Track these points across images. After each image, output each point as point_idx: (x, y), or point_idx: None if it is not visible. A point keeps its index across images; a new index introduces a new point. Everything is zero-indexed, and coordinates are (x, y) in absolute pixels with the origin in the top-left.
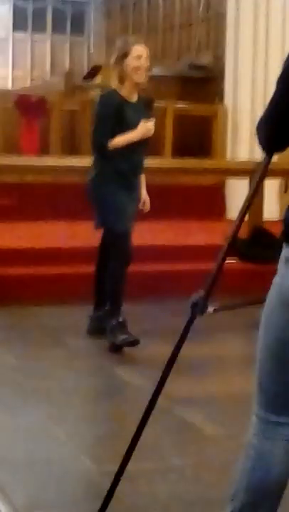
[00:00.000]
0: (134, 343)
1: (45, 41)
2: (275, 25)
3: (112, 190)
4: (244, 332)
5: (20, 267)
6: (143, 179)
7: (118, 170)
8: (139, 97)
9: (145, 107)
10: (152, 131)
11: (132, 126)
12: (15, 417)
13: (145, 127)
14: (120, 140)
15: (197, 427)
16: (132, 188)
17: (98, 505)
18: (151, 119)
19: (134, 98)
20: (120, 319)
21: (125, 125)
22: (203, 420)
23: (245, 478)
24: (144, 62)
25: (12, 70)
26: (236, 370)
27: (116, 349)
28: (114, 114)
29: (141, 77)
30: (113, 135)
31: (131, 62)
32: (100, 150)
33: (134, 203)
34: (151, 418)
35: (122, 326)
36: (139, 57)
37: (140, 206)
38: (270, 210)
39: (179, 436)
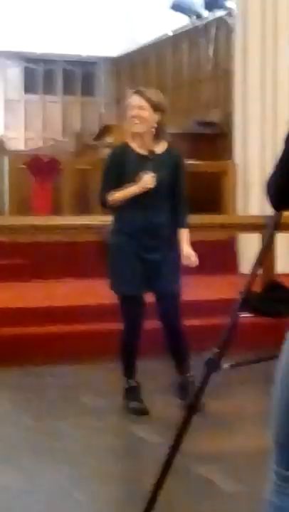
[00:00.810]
0: (142, 412)
1: (57, 102)
2: (282, 82)
3: (119, 251)
4: (260, 387)
5: (34, 326)
6: (183, 234)
7: (128, 228)
8: (166, 150)
9: (170, 161)
10: (150, 185)
11: (132, 179)
12: (31, 478)
13: (143, 180)
14: (118, 194)
15: (215, 483)
16: (149, 248)
17: None
18: (149, 172)
19: (148, 150)
20: (132, 384)
21: (126, 178)
22: (221, 477)
23: None
24: (136, 112)
25: (24, 131)
26: (253, 425)
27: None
28: (115, 166)
29: (137, 127)
30: (115, 188)
31: (127, 113)
32: (101, 204)
33: (152, 264)
34: (170, 475)
35: (133, 392)
36: (133, 107)
37: (184, 262)
38: (283, 264)
39: (196, 493)
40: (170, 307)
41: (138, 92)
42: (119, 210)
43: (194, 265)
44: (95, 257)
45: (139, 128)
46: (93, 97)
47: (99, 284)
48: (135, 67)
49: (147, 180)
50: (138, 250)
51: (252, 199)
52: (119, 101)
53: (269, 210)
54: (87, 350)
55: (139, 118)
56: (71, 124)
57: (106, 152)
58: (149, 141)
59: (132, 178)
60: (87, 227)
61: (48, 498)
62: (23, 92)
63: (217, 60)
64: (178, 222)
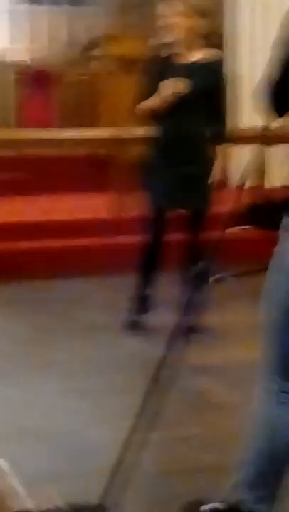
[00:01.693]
0: (131, 325)
1: (47, 12)
2: None
3: (150, 163)
4: (252, 300)
5: (34, 240)
6: (220, 153)
7: (161, 140)
8: (205, 58)
9: (207, 69)
10: (171, 91)
11: None
12: (29, 390)
13: (166, 87)
14: (145, 104)
15: (211, 394)
16: (182, 161)
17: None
18: (177, 78)
19: (185, 59)
20: (139, 294)
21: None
22: (215, 387)
23: (253, 444)
24: (164, 21)
25: (13, 42)
26: (246, 336)
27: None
28: (147, 75)
29: (168, 37)
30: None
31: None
32: (135, 114)
33: (183, 179)
34: (162, 387)
35: (143, 303)
36: (161, 16)
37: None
38: (273, 178)
39: (190, 403)
40: (197, 227)
41: (168, 2)
42: (155, 121)
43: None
44: (93, 171)
45: (168, 37)
46: (86, 7)
47: (96, 198)
48: None
49: (167, 86)
50: (170, 162)
51: (243, 111)
52: (114, 11)
53: (259, 122)
54: (88, 264)
55: (167, 27)
56: (62, 35)
57: (98, 63)
58: (187, 48)
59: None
60: (77, 141)
61: (47, 409)
62: (11, 2)
63: None
64: (214, 140)
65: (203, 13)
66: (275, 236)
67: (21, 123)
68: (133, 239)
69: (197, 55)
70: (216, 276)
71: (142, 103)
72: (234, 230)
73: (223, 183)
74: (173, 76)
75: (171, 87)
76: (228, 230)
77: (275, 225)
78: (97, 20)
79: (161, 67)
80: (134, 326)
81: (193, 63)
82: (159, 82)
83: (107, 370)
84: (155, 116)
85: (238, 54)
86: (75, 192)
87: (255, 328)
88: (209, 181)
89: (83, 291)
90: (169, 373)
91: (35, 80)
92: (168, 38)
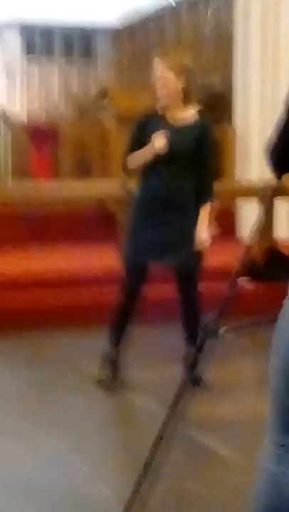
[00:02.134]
0: (102, 382)
1: (56, 67)
2: (283, 45)
3: (135, 217)
4: (258, 353)
5: (34, 293)
6: (203, 212)
7: (147, 196)
8: (193, 118)
9: (196, 130)
10: (159, 145)
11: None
12: (28, 445)
13: (153, 141)
14: (132, 157)
15: (212, 449)
16: (161, 220)
17: None
18: (162, 131)
19: (174, 119)
20: (107, 352)
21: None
22: (218, 443)
23: (259, 502)
24: (156, 79)
25: (24, 98)
26: (251, 392)
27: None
28: (138, 133)
29: (162, 99)
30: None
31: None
32: (122, 169)
33: (163, 236)
34: (166, 441)
35: (111, 360)
36: (156, 77)
37: (197, 247)
38: (282, 231)
39: (193, 459)
40: (185, 285)
41: (160, 58)
42: (141, 177)
43: (206, 249)
44: (96, 225)
45: (164, 99)
46: (94, 65)
47: (98, 252)
48: (136, 33)
49: (157, 140)
50: (154, 219)
51: (251, 164)
52: (116, 65)
53: (269, 177)
54: (86, 317)
55: (162, 88)
56: (71, 91)
57: (104, 115)
58: (175, 107)
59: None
60: (87, 194)
61: (46, 464)
62: (23, 59)
63: (218, 23)
64: (199, 199)
65: (189, 71)
66: (284, 289)
67: (22, 177)
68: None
69: (186, 114)
70: (224, 329)
71: (132, 156)
72: (243, 283)
73: (210, 241)
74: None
75: (160, 141)
76: (237, 283)
77: (284, 278)
78: (103, 75)
79: (151, 124)
80: (110, 383)
81: (182, 122)
82: (148, 140)
83: (103, 426)
84: (141, 172)
85: (248, 110)
86: (72, 245)
87: (260, 382)
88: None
89: (80, 345)
90: (171, 427)
91: (42, 133)
92: (159, 96)
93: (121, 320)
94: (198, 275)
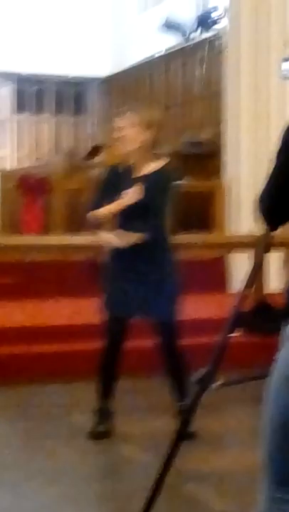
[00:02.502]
0: (105, 435)
1: (48, 122)
2: (273, 100)
3: (109, 271)
4: (251, 405)
5: (24, 345)
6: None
7: (115, 250)
8: (158, 170)
9: (158, 181)
10: (132, 199)
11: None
12: (21, 498)
13: (129, 195)
14: (102, 211)
15: (205, 503)
16: (134, 273)
17: None
18: (132, 188)
19: (139, 172)
20: (99, 406)
21: (114, 198)
22: (211, 496)
23: None
24: (120, 133)
25: (14, 151)
26: (244, 444)
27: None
28: (104, 186)
29: (121, 148)
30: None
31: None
32: (89, 218)
33: (137, 285)
34: (159, 494)
35: (97, 414)
36: (117, 128)
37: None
38: (273, 282)
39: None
40: (165, 337)
41: (125, 112)
42: (110, 227)
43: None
44: (86, 277)
45: (122, 148)
46: (84, 117)
47: (89, 303)
48: (126, 86)
49: (130, 194)
50: (128, 272)
51: (242, 218)
52: (110, 120)
53: (259, 229)
54: (77, 369)
55: (122, 139)
56: (62, 144)
57: (96, 171)
58: (140, 160)
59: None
60: (77, 247)
61: None
62: (14, 111)
63: (208, 79)
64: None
65: (155, 124)
66: (276, 342)
67: (17, 229)
68: (130, 343)
69: (151, 167)
70: (218, 384)
71: (101, 209)
72: (235, 335)
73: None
74: (125, 187)
75: (134, 195)
76: (229, 335)
77: (275, 331)
78: (97, 129)
79: (116, 178)
80: (99, 437)
81: (148, 175)
82: (112, 192)
83: (94, 478)
84: (110, 223)
85: (238, 162)
86: (64, 296)
87: (252, 434)
88: (171, 287)
89: (73, 396)
90: (167, 481)
91: (33, 187)
92: (122, 150)
93: (106, 372)
94: (175, 328)
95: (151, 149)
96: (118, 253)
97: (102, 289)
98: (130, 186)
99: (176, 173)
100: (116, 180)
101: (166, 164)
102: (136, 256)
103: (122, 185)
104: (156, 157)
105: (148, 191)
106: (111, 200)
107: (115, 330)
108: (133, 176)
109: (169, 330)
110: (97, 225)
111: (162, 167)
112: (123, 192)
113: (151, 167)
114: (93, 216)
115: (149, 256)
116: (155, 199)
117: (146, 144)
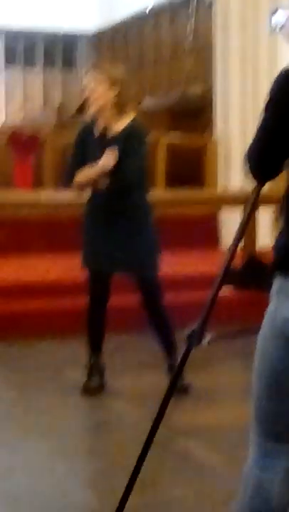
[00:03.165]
0: (98, 390)
1: (37, 76)
2: (263, 54)
3: (87, 227)
4: (241, 360)
5: (14, 301)
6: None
7: (94, 206)
8: (126, 127)
9: (123, 138)
10: (108, 165)
11: (92, 159)
12: (13, 452)
13: (101, 161)
14: (80, 178)
15: (198, 457)
16: (109, 229)
17: None
18: (108, 152)
19: (107, 130)
20: (90, 361)
21: (87, 157)
22: (203, 450)
23: (245, 507)
24: (88, 91)
25: (3, 106)
26: (235, 399)
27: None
28: (78, 145)
29: (91, 106)
30: (79, 167)
31: None
32: (64, 185)
33: (113, 242)
34: (151, 449)
35: (89, 369)
36: (86, 87)
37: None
38: (264, 239)
39: (179, 466)
40: (146, 293)
41: (91, 71)
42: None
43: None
44: (75, 233)
45: (93, 107)
46: (74, 71)
47: (78, 259)
48: (116, 41)
49: (106, 159)
50: (105, 228)
51: (233, 173)
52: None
53: (251, 184)
54: (68, 326)
55: (91, 97)
56: (52, 99)
57: None
58: (109, 117)
59: (92, 158)
60: (67, 203)
61: (31, 471)
62: (3, 65)
63: (197, 34)
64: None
65: (121, 81)
66: (266, 297)
67: (8, 186)
68: (120, 299)
69: (119, 125)
70: (208, 339)
71: (80, 175)
72: (226, 291)
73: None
74: (98, 145)
75: (108, 161)
76: (219, 291)
77: (265, 287)
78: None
79: (88, 137)
80: (91, 392)
81: (117, 132)
82: (85, 152)
83: (86, 432)
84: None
85: (229, 116)
86: (53, 253)
87: (243, 389)
88: (148, 241)
89: (66, 352)
90: (158, 436)
91: (24, 143)
92: (92, 108)
93: (93, 328)
94: (155, 284)
95: (118, 107)
96: (93, 208)
97: (81, 244)
98: (102, 146)
99: (144, 129)
100: (88, 139)
101: (133, 120)
102: (111, 211)
103: (94, 145)
104: (124, 114)
105: (123, 150)
106: (87, 162)
107: (96, 286)
108: (104, 135)
109: (149, 285)
110: (82, 188)
111: (131, 124)
112: (98, 159)
113: (121, 124)
114: (77, 183)
115: (124, 210)
116: (130, 156)
117: (113, 101)
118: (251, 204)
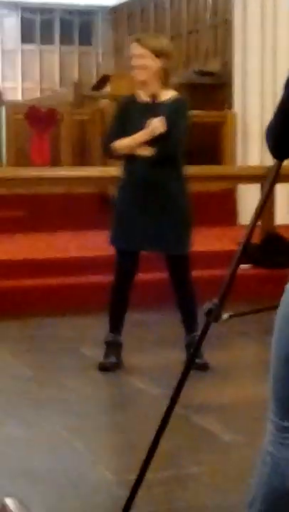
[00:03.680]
0: (106, 368)
1: (54, 52)
2: (282, 30)
3: (121, 204)
4: (259, 338)
5: (33, 278)
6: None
7: (132, 181)
8: (172, 98)
9: (173, 108)
10: (159, 129)
11: (137, 127)
12: (31, 429)
13: (151, 125)
14: (125, 141)
15: (214, 434)
16: (147, 207)
17: None
18: (157, 118)
19: (151, 97)
20: (109, 338)
21: (131, 128)
22: (220, 427)
23: (261, 485)
24: (134, 61)
25: (21, 81)
26: (252, 376)
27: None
28: (120, 116)
29: (139, 75)
30: (120, 137)
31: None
32: (105, 154)
33: (149, 218)
34: (168, 426)
35: (113, 346)
36: (133, 56)
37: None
38: (283, 215)
39: (196, 443)
40: (176, 270)
41: (137, 40)
42: (125, 162)
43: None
44: (94, 210)
45: (140, 76)
46: (91, 47)
47: (97, 236)
48: (133, 17)
49: (155, 123)
50: (140, 205)
51: (252, 149)
52: (117, 50)
53: (269, 160)
54: (86, 302)
55: (139, 67)
56: (69, 74)
57: (104, 102)
58: (154, 88)
59: (137, 127)
60: (86, 179)
61: (48, 448)
62: (20, 42)
63: (216, 8)
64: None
65: (167, 52)
66: (284, 274)
67: (25, 162)
68: (138, 276)
69: (164, 96)
70: (227, 315)
71: (120, 141)
72: (244, 267)
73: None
74: (145, 115)
75: (159, 124)
76: (237, 268)
77: (284, 263)
78: (104, 60)
79: (133, 106)
80: (107, 368)
81: (164, 102)
82: (125, 124)
83: (104, 409)
84: (127, 156)
85: (247, 92)
86: (72, 230)
87: (261, 367)
88: (184, 220)
89: (83, 329)
90: (175, 412)
91: (41, 119)
92: (140, 77)
93: (117, 304)
94: (188, 261)
95: (163, 78)
96: (131, 182)
97: (111, 222)
98: (148, 116)
99: (189, 103)
100: (131, 111)
101: (179, 93)
102: (151, 183)
103: (139, 114)
104: (168, 86)
105: (169, 119)
106: (129, 132)
107: (125, 264)
108: (151, 103)
109: (180, 263)
110: (119, 156)
111: (177, 96)
112: (148, 121)
113: (168, 95)
114: (115, 148)
115: (164, 184)
116: (177, 126)
117: (160, 72)
118: (270, 180)
